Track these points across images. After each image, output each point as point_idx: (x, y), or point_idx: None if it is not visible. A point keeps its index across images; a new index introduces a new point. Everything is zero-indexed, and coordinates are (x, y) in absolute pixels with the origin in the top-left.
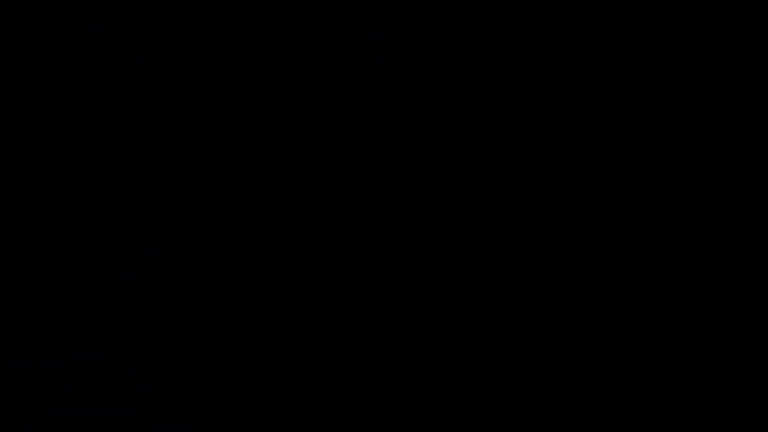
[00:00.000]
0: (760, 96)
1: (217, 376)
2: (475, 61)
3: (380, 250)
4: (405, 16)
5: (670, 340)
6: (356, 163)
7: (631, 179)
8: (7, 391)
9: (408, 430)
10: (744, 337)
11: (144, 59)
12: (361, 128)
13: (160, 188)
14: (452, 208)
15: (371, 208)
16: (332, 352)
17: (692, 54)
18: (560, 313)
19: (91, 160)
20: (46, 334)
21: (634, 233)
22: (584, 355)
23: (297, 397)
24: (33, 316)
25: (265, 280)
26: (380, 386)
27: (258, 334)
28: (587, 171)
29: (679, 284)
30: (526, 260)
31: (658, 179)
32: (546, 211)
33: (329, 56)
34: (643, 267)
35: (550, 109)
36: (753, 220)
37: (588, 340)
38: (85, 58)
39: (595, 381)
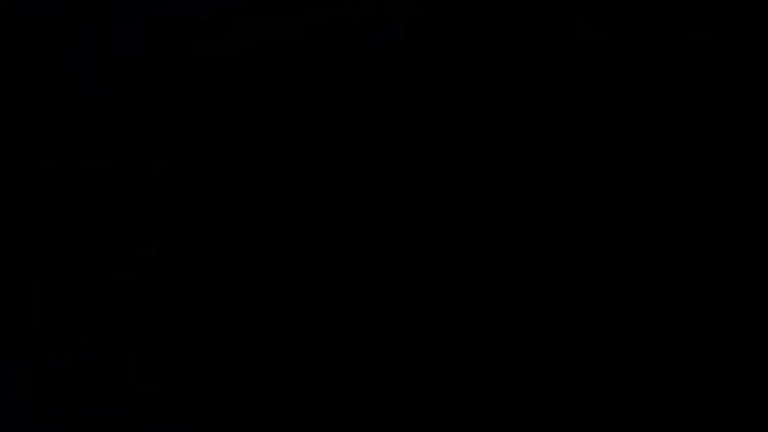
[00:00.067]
0: (760, 96)
1: (217, 376)
2: (475, 61)
3: (380, 250)
4: (405, 16)
5: (670, 341)
6: (356, 163)
7: (631, 179)
8: (7, 391)
9: (408, 430)
10: (743, 337)
11: (144, 59)
12: (361, 128)
13: (160, 188)
14: (452, 208)
15: (371, 208)
16: (332, 352)
17: (692, 54)
18: (560, 313)
19: (91, 160)
20: (46, 334)
21: (634, 233)
22: (584, 355)
23: (297, 397)
24: (33, 316)
25: (265, 281)
26: (380, 386)
27: (258, 334)
28: (587, 171)
29: (679, 284)
30: (525, 260)
31: (658, 179)
32: (546, 211)
33: (329, 56)
34: (642, 267)
35: (550, 109)
36: (753, 220)
37: (587, 341)
38: (85, 58)
39: (595, 381)
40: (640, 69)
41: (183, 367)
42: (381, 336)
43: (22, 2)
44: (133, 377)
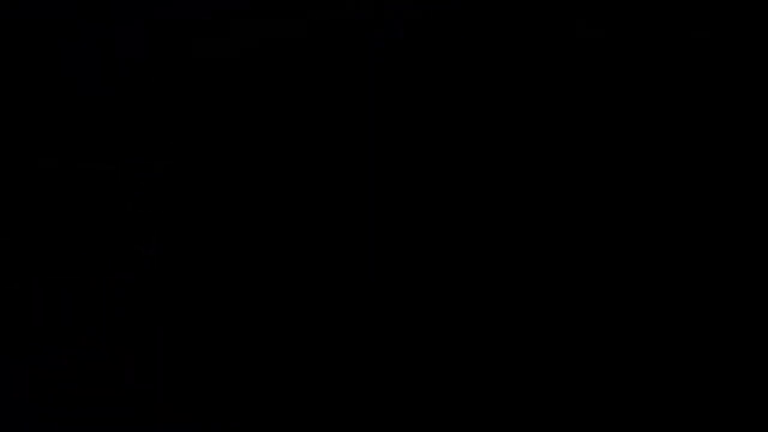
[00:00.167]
0: (760, 96)
1: (217, 376)
2: (475, 61)
3: (380, 250)
4: (405, 16)
5: (669, 341)
6: (356, 163)
7: (631, 179)
8: (7, 391)
9: (408, 430)
10: (743, 337)
11: (144, 59)
12: (361, 128)
13: (160, 188)
14: (452, 208)
15: (371, 208)
16: (332, 352)
17: (692, 54)
18: (560, 313)
19: (91, 160)
20: (46, 334)
21: (633, 233)
22: (583, 355)
23: (297, 397)
24: (33, 316)
25: (265, 281)
26: (380, 386)
27: (258, 334)
28: (587, 171)
29: (679, 284)
30: (525, 260)
31: (658, 179)
32: (546, 211)
33: (329, 56)
34: (642, 267)
35: (550, 109)
36: (753, 220)
37: (587, 341)
38: (85, 58)
39: (594, 381)
40: (640, 69)
41: (183, 367)
42: (381, 336)
43: (22, 2)
44: (133, 377)
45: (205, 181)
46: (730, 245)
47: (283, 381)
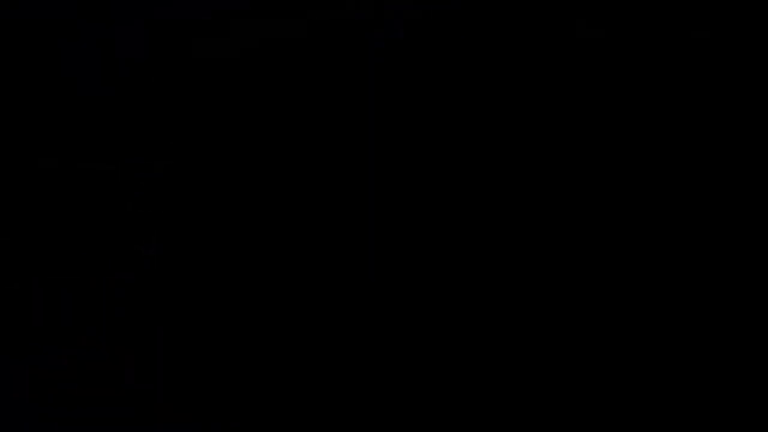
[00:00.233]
0: (760, 96)
1: (217, 376)
2: (475, 61)
3: (380, 250)
4: (405, 16)
5: (669, 341)
6: (356, 163)
7: (631, 179)
8: (7, 391)
9: (407, 430)
10: (743, 337)
11: (144, 59)
12: (361, 128)
13: (160, 188)
14: (452, 208)
15: (371, 208)
16: (332, 352)
17: (692, 54)
18: (559, 313)
19: (91, 160)
20: (46, 334)
21: (633, 233)
22: (583, 355)
23: (297, 397)
24: (33, 316)
25: (265, 280)
26: (380, 386)
27: (258, 334)
28: (587, 171)
29: (679, 284)
30: (525, 260)
31: (658, 179)
32: (546, 211)
33: (329, 56)
34: (642, 267)
35: (550, 109)
36: (753, 220)
37: (587, 341)
38: (85, 58)
39: (594, 381)
40: (640, 69)
41: (183, 367)
42: (381, 336)
43: (22, 2)
44: (133, 377)
45: (205, 181)
46: (729, 244)
47: (283, 381)
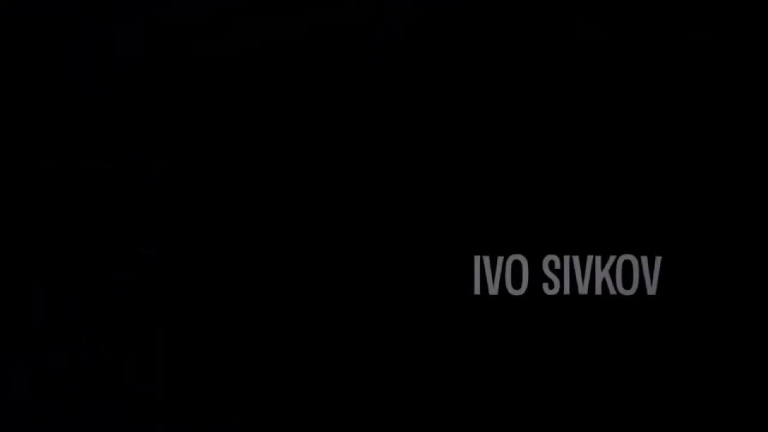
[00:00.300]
0: (760, 96)
1: (217, 376)
2: (475, 61)
3: (380, 250)
4: (405, 16)
5: (669, 342)
6: (356, 163)
7: (630, 178)
8: (7, 391)
9: (407, 429)
10: (743, 337)
11: (144, 59)
12: (361, 128)
13: (160, 188)
14: (452, 207)
15: (371, 208)
16: (332, 352)
17: (692, 54)
18: (559, 313)
19: (91, 160)
20: (46, 334)
21: (633, 233)
22: (582, 355)
23: (297, 396)
24: (33, 316)
25: (265, 280)
26: (379, 385)
27: (258, 334)
28: (587, 170)
29: (679, 284)
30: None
31: (658, 178)
32: (545, 211)
33: (329, 56)
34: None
35: (549, 108)
36: (752, 219)
37: (586, 341)
38: (85, 58)
39: (594, 381)
40: (640, 69)
41: (183, 367)
42: (380, 335)
43: (22, 2)
44: (133, 377)
45: (205, 181)
46: (728, 244)
47: (283, 381)
